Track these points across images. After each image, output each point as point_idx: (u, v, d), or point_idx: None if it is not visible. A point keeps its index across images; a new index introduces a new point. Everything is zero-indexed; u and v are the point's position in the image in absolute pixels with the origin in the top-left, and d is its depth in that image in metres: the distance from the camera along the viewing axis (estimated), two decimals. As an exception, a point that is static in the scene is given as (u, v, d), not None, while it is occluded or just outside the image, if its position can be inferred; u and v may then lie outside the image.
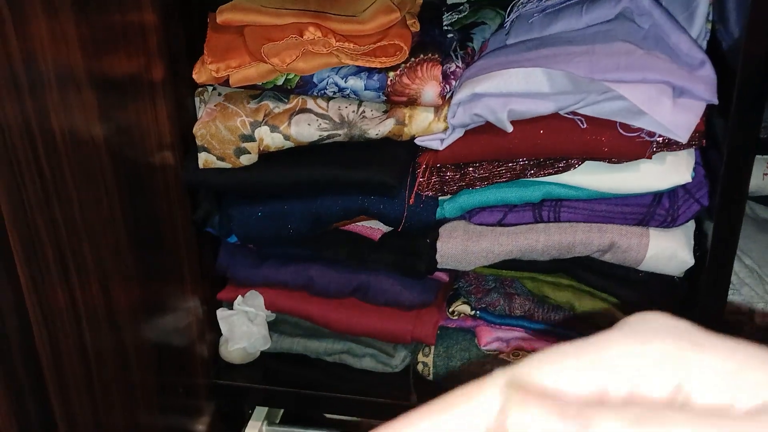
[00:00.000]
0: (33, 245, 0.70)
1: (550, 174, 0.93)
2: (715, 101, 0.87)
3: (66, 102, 0.74)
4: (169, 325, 1.02)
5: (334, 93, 0.94)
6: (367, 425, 1.29)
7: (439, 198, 0.99)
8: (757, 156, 0.96)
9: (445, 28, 1.00)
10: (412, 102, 0.93)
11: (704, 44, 0.93)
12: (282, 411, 1.29)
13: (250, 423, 1.21)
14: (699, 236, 0.99)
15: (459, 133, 0.94)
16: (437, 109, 0.94)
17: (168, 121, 0.96)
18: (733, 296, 1.08)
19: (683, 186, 0.94)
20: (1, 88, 0.66)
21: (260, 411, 1.23)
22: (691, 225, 0.99)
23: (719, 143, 0.92)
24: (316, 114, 0.95)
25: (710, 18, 0.94)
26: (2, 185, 0.66)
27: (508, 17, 1.02)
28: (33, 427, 0.72)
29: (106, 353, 0.84)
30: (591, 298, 1.03)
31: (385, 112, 0.95)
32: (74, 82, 0.76)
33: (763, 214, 1.24)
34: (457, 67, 0.94)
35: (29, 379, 0.71)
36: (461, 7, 1.06)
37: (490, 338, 1.06)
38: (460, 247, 1.00)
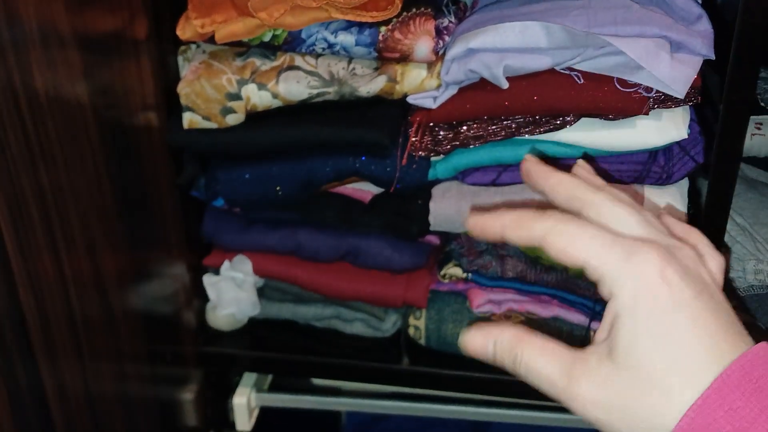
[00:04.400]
0: (19, 207, 0.67)
1: (546, 131, 0.91)
2: (712, 56, 0.86)
3: (50, 59, 0.71)
4: (156, 292, 1.00)
5: (324, 49, 0.91)
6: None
7: (431, 158, 0.97)
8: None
9: (435, -17, 0.97)
10: (405, 58, 0.90)
11: (699, -2, 0.92)
12: (270, 377, 1.27)
13: (238, 390, 1.19)
14: (692, 194, 0.98)
15: (453, 91, 0.91)
16: (430, 65, 0.92)
17: (152, 80, 0.92)
18: (724, 254, 1.07)
19: (678, 142, 0.93)
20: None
21: (248, 378, 1.21)
22: (685, 182, 0.98)
23: (714, 100, 0.91)
24: (305, 71, 0.93)
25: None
26: (-14, 144, 0.63)
27: (498, -28, 1.00)
28: (22, 392, 0.69)
29: (94, 320, 0.82)
30: (584, 258, 1.02)
31: (376, 69, 0.93)
32: (58, 38, 0.72)
33: (752, 173, 1.24)
34: (450, 22, 0.92)
35: (17, 343, 0.68)
36: (450, -38, 1.03)
37: (482, 300, 1.05)
38: (454, 207, 0.98)
